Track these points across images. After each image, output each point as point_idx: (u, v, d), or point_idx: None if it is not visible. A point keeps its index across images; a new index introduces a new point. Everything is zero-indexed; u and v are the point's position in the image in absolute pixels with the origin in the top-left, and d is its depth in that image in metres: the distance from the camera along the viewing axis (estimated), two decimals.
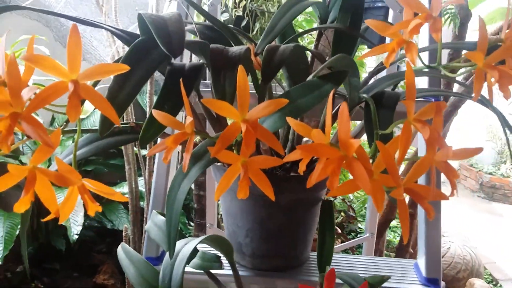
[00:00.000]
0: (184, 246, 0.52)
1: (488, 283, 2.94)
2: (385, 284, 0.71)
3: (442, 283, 2.21)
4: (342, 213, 2.82)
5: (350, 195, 2.92)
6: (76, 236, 2.21)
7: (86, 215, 2.43)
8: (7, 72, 0.35)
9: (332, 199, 2.54)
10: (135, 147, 2.20)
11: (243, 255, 0.75)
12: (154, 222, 0.68)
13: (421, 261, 0.76)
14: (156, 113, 0.43)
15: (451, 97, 2.25)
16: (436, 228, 0.74)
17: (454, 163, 5.59)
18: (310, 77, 0.54)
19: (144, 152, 2.21)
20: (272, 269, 0.74)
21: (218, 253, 0.62)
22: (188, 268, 0.70)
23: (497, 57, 0.43)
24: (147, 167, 1.88)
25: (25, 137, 0.37)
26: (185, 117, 0.41)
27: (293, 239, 0.73)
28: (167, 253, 0.52)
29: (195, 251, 0.62)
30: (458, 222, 4.14)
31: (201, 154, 0.47)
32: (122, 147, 2.11)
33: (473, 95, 0.44)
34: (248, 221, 0.71)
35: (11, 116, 0.33)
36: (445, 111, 2.27)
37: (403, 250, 2.11)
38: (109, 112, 0.37)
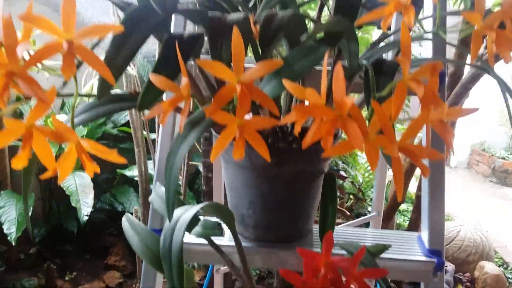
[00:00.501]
0: (185, 213, 0.53)
1: (498, 266, 2.93)
2: (388, 255, 0.72)
3: (452, 265, 2.21)
4: (351, 196, 2.82)
5: (360, 178, 2.92)
6: (86, 218, 2.24)
7: (96, 198, 2.46)
8: (3, 31, 0.35)
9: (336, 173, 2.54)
10: (144, 130, 2.22)
11: (246, 226, 0.75)
12: (158, 194, 0.69)
13: (424, 234, 0.76)
14: (154, 77, 0.43)
15: (463, 78, 2.23)
16: (439, 201, 0.74)
17: (466, 149, 5.55)
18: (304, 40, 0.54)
19: (153, 136, 2.23)
20: (275, 240, 0.74)
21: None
22: (190, 239, 0.71)
23: (496, 19, 0.42)
24: (156, 150, 1.88)
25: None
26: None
27: (296, 211, 0.73)
28: (167, 224, 0.52)
29: (196, 218, 0.63)
30: (469, 206, 4.12)
31: (199, 119, 0.47)
32: (132, 130, 2.13)
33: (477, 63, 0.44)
34: (250, 193, 0.72)
35: (7, 74, 0.34)
36: (455, 93, 2.24)
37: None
38: (104, 72, 0.37)
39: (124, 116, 2.81)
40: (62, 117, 2.42)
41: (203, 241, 0.72)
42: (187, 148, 0.45)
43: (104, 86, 0.43)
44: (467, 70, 2.22)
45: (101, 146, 0.39)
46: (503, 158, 5.05)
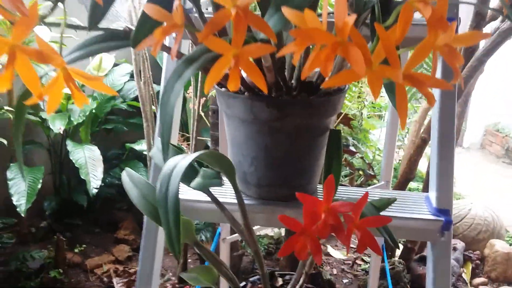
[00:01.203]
0: (182, 160, 0.51)
1: (509, 245, 2.89)
2: (394, 213, 0.70)
3: (461, 243, 2.18)
4: (361, 172, 2.79)
5: (370, 155, 2.88)
6: (95, 190, 2.25)
7: (106, 172, 2.47)
8: None
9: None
10: (153, 105, 2.21)
11: (248, 184, 0.74)
12: (158, 148, 0.68)
13: (432, 193, 0.73)
14: (148, 7, 0.41)
15: (477, 51, 2.17)
16: (448, 158, 0.71)
17: (479, 129, 5.47)
18: None
19: None
20: (278, 198, 0.73)
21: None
22: (192, 195, 0.70)
23: None
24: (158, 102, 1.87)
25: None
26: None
27: (299, 168, 0.71)
28: (165, 165, 0.51)
29: (195, 170, 0.61)
30: (481, 187, 4.07)
31: (196, 57, 0.45)
32: (140, 105, 2.12)
33: None
34: (252, 149, 0.70)
35: None
36: (470, 66, 2.19)
37: None
38: None
39: (133, 91, 2.80)
40: None
41: (205, 198, 0.71)
42: (182, 85, 0.43)
43: (94, 15, 0.41)
44: (482, 44, 2.16)
45: (88, 74, 0.37)
46: None
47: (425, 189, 2.27)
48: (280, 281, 0.76)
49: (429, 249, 0.72)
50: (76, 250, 2.54)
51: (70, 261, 2.50)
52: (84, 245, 2.59)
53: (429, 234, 0.70)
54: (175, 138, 0.77)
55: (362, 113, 2.51)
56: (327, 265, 2.75)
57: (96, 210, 2.91)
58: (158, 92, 2.27)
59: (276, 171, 0.71)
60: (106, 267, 2.57)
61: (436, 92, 0.72)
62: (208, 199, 0.65)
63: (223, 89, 0.67)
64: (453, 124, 0.72)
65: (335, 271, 2.71)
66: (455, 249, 2.74)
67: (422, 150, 2.44)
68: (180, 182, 0.65)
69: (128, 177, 0.66)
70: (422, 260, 2.53)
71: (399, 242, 2.72)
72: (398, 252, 2.59)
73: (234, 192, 0.63)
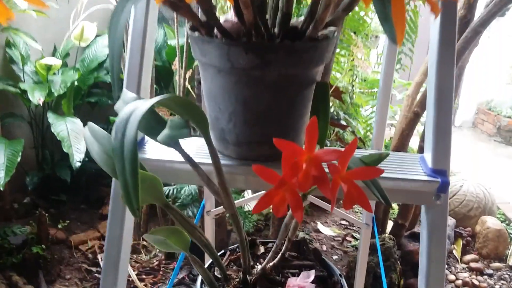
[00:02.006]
0: (142, 104, 0.44)
1: (501, 222, 2.87)
2: (386, 174, 0.63)
3: (452, 220, 2.14)
4: None
5: (361, 130, 2.82)
6: (79, 164, 2.18)
7: None
8: None
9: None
10: None
11: (226, 143, 0.67)
12: (124, 100, 0.60)
13: (427, 154, 0.67)
14: None
15: (472, 22, 2.10)
16: (446, 114, 0.65)
17: (471, 108, 5.43)
18: None
19: None
20: (259, 158, 0.66)
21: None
22: (163, 155, 0.63)
23: None
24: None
25: None
26: None
27: (282, 124, 0.64)
28: (122, 110, 0.44)
29: (162, 122, 0.54)
30: (472, 165, 4.04)
31: None
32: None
33: None
34: (230, 102, 0.63)
35: None
36: (465, 37, 2.12)
37: None
38: None
39: None
40: (51, 60, 2.31)
41: (177, 157, 0.64)
42: (131, 5, 0.36)
43: None
44: (477, 14, 2.09)
45: None
46: (509, 117, 4.94)
47: None
48: (262, 249, 0.69)
49: (424, 214, 0.66)
50: (59, 226, 2.48)
51: (53, 237, 2.44)
52: (68, 221, 2.53)
53: (424, 196, 0.64)
54: (146, 92, 0.70)
55: (353, 86, 2.44)
56: (316, 242, 2.71)
57: (82, 186, 2.84)
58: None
59: (257, 128, 0.64)
60: (91, 243, 2.51)
61: (434, 39, 0.65)
62: (180, 158, 0.58)
63: (196, 33, 0.60)
64: (452, 76, 0.65)
65: (324, 248, 2.67)
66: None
67: (414, 124, 2.38)
68: (147, 136, 0.58)
69: (90, 132, 0.58)
70: (413, 236, 2.50)
71: (390, 218, 2.68)
72: (388, 228, 2.55)
73: (208, 150, 0.56)
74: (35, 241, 2.28)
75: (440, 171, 0.64)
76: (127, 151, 0.41)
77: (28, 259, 2.22)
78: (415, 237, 2.51)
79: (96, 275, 2.32)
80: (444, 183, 0.63)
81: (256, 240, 0.72)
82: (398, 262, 2.30)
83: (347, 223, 2.91)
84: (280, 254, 0.65)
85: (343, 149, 0.40)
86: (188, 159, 0.58)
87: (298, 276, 0.63)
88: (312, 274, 0.62)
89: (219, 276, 0.65)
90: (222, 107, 0.64)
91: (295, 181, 0.40)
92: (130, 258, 2.41)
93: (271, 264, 0.65)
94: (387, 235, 2.35)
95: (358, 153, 0.72)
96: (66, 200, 2.78)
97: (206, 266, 0.67)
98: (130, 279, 2.27)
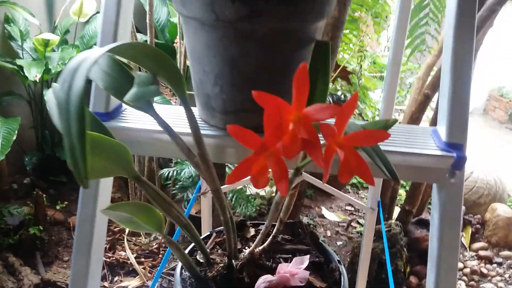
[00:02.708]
0: (96, 51, 0.36)
1: None
2: (394, 148, 0.55)
3: (462, 207, 2.03)
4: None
5: (369, 113, 2.73)
6: None
7: None
8: None
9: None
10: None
11: (213, 111, 0.59)
12: (102, 68, 0.52)
13: (441, 127, 0.59)
14: None
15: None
16: (464, 82, 0.56)
17: (483, 94, 5.29)
18: None
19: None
20: (249, 127, 0.58)
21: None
22: (138, 123, 0.55)
23: None
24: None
25: None
26: None
27: (275, 88, 0.56)
28: (72, 59, 0.36)
29: (129, 76, 0.46)
30: (483, 152, 3.93)
31: None
32: None
33: None
34: (216, 63, 0.55)
35: None
36: (480, 16, 2.00)
37: None
38: None
39: None
40: (48, 35, 2.24)
41: (152, 126, 0.56)
42: None
43: None
44: None
45: None
46: None
47: None
48: (252, 232, 0.62)
49: (435, 195, 0.58)
50: (58, 207, 2.42)
51: (52, 218, 2.39)
52: (67, 202, 2.48)
53: (436, 174, 0.56)
54: (126, 35, 0.61)
55: (361, 66, 2.34)
56: (320, 227, 2.64)
57: None
58: (144, 42, 2.10)
59: (246, 93, 0.55)
60: None
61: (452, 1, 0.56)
62: (158, 128, 0.51)
63: None
64: (473, 38, 0.56)
65: (329, 233, 2.60)
66: None
67: (424, 107, 2.28)
68: (114, 97, 0.50)
69: (54, 94, 0.51)
70: (420, 223, 2.42)
71: (397, 204, 2.60)
72: (395, 215, 2.48)
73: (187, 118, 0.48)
74: (33, 222, 2.23)
75: (456, 145, 0.56)
76: (73, 106, 0.33)
77: (25, 240, 2.18)
78: (423, 223, 2.43)
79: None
80: (460, 159, 0.55)
81: (245, 221, 0.64)
82: (405, 249, 2.23)
83: (352, 209, 2.84)
84: (270, 237, 0.57)
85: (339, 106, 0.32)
86: (165, 126, 0.50)
87: (290, 262, 0.56)
88: (306, 259, 0.54)
89: (202, 260, 0.57)
90: (207, 68, 0.56)
91: (279, 145, 0.32)
92: (129, 241, 2.36)
93: (260, 248, 0.57)
94: (393, 221, 2.27)
95: None
96: (66, 181, 2.73)
97: (188, 249, 0.60)
98: (129, 261, 2.23)
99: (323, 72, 0.54)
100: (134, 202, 0.45)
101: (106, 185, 0.61)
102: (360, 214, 2.79)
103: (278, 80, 0.56)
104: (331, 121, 0.35)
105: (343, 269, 0.58)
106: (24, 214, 2.27)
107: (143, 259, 2.27)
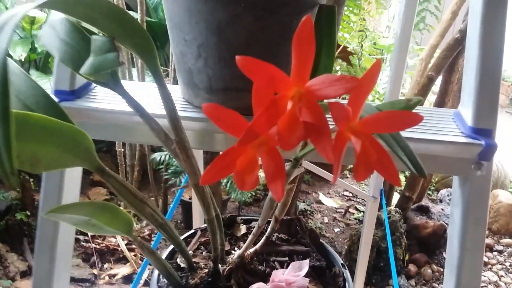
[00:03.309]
0: (23, 7, 0.27)
1: None
2: (410, 134, 0.46)
3: None
4: None
5: (369, 97, 2.63)
6: None
7: None
8: None
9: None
10: None
11: (196, 89, 0.50)
12: (51, 24, 0.43)
13: (466, 109, 0.50)
14: None
15: None
16: (496, 56, 0.47)
17: None
18: None
19: None
20: (239, 109, 0.49)
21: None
22: (108, 104, 0.46)
23: None
24: None
25: None
26: None
27: (270, 61, 0.47)
28: None
29: (88, 45, 0.37)
30: None
31: None
32: None
33: None
34: (199, 31, 0.45)
35: None
36: None
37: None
38: None
39: None
40: (34, 12, 2.12)
41: (122, 107, 0.47)
42: None
43: None
44: None
45: None
46: None
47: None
48: (243, 229, 0.53)
49: (457, 189, 0.49)
50: None
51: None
52: None
53: (460, 164, 0.47)
54: None
55: (362, 46, 2.23)
56: (318, 213, 2.57)
57: None
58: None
59: (235, 67, 0.46)
60: None
61: None
62: (128, 108, 0.41)
63: None
64: (506, 2, 0.47)
65: (326, 220, 2.53)
66: None
67: (427, 89, 2.19)
68: (74, 72, 0.41)
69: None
70: (420, 210, 2.35)
71: (396, 190, 2.53)
72: (394, 201, 2.41)
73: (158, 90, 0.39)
74: (20, 207, 2.15)
75: (484, 131, 0.47)
76: None
77: (12, 226, 2.10)
78: (422, 210, 2.37)
79: (83, 244, 2.20)
80: (489, 147, 0.46)
81: (235, 217, 0.56)
82: (404, 236, 2.16)
83: (350, 195, 2.77)
84: (264, 237, 0.49)
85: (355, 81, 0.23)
86: (136, 106, 0.41)
87: (286, 267, 0.47)
88: (305, 265, 0.46)
89: (183, 265, 0.49)
90: (188, 37, 0.46)
91: (273, 132, 0.24)
92: None
93: (252, 250, 0.49)
94: (392, 207, 2.20)
95: None
96: None
97: (167, 251, 0.51)
98: (119, 249, 2.15)
99: (328, 43, 0.45)
100: (91, 202, 0.37)
101: (73, 176, 0.53)
102: (358, 200, 2.72)
103: (273, 52, 0.47)
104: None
105: (347, 275, 0.50)
106: (10, 199, 2.18)
107: (134, 246, 2.20)
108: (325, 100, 0.27)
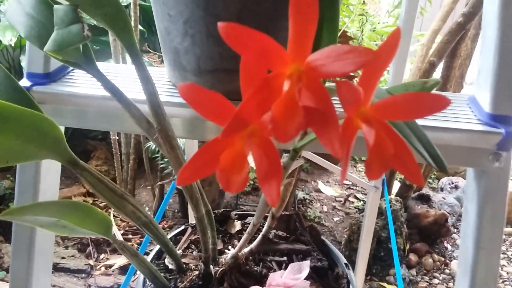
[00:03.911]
0: None
1: None
2: (420, 121, 0.41)
3: (464, 181, 1.91)
4: None
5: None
6: None
7: None
8: None
9: None
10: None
11: (184, 72, 0.45)
12: (18, 1, 0.37)
13: (482, 93, 0.45)
14: None
15: None
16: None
17: None
18: None
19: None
20: (232, 93, 0.44)
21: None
22: (85, 88, 0.41)
23: None
24: None
25: None
26: None
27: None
28: None
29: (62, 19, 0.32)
30: None
31: None
32: None
33: None
34: (185, 4, 0.40)
35: None
36: None
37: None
38: None
39: None
40: None
41: (105, 93, 0.42)
42: None
43: None
44: None
45: None
46: None
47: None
48: (237, 226, 0.48)
49: (472, 181, 0.45)
50: None
51: None
52: None
53: (476, 155, 0.43)
54: None
55: (363, 31, 2.17)
56: (317, 202, 2.53)
57: (68, 139, 2.63)
58: (129, 4, 1.93)
59: (226, 45, 0.41)
60: (76, 199, 2.34)
61: None
62: (105, 93, 0.36)
63: None
64: None
65: (325, 209, 2.49)
66: (456, 187, 2.53)
67: (429, 75, 2.14)
68: (45, 51, 0.35)
69: None
70: (421, 198, 2.32)
71: (396, 178, 2.49)
72: (395, 189, 2.37)
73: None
74: (13, 197, 2.11)
75: (504, 118, 0.42)
76: None
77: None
78: (423, 199, 2.33)
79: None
80: (509, 136, 0.41)
81: (229, 212, 0.51)
82: (404, 225, 2.12)
83: (350, 183, 2.72)
84: (260, 236, 0.44)
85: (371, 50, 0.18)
86: (113, 90, 0.36)
87: (285, 268, 0.43)
88: (305, 267, 0.41)
89: (172, 267, 0.44)
90: (173, 12, 0.41)
91: (266, 119, 0.19)
92: (116, 217, 2.24)
93: (247, 249, 0.44)
94: (393, 196, 2.16)
95: None
96: None
97: (154, 251, 0.47)
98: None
99: (331, 18, 0.40)
100: (58, 201, 0.32)
101: (49, 168, 0.48)
102: (358, 188, 2.68)
103: (268, 27, 0.42)
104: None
105: (351, 276, 0.45)
106: (4, 188, 2.14)
107: (130, 236, 2.16)
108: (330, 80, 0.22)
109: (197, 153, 0.20)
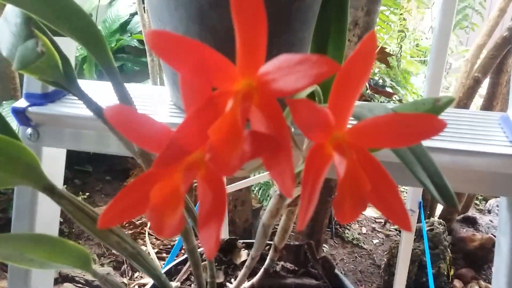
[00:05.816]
0: None
1: None
2: (443, 144, 0.37)
3: None
4: None
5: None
6: None
7: None
8: None
9: None
10: None
11: None
12: (6, 18, 0.36)
13: None
14: None
15: None
16: None
17: None
18: None
19: None
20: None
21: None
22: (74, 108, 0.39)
23: None
24: None
25: None
26: None
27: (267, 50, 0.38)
28: None
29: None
30: None
31: None
32: (144, 37, 1.83)
33: None
34: (179, 18, 0.37)
35: None
36: None
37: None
38: None
39: (139, 24, 2.50)
40: None
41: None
42: None
43: None
44: None
45: None
46: None
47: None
48: (244, 255, 0.44)
49: (505, 211, 0.39)
50: (79, 198, 2.33)
51: None
52: (88, 193, 2.38)
53: (508, 182, 0.37)
54: None
55: (401, 47, 2.09)
56: (355, 223, 2.44)
57: (108, 157, 2.69)
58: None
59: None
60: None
61: None
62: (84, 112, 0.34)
63: None
64: None
65: (364, 230, 2.40)
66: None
67: (473, 92, 2.04)
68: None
69: None
70: (466, 221, 2.19)
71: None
72: (438, 211, 2.25)
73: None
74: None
75: None
76: None
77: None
78: (469, 221, 2.20)
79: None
80: None
81: (235, 241, 0.47)
82: (448, 249, 2.00)
83: None
84: (262, 270, 0.40)
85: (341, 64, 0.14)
86: (97, 110, 0.33)
87: None
88: None
89: None
90: (169, 27, 0.38)
91: (208, 148, 0.15)
92: (151, 235, 2.24)
93: (247, 285, 0.40)
94: (436, 219, 2.05)
95: None
96: (91, 170, 2.65)
97: (149, 286, 0.44)
98: (150, 257, 2.11)
99: (337, 31, 0.36)
100: (22, 234, 0.30)
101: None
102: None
103: (270, 37, 0.38)
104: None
105: None
106: None
107: (164, 255, 2.15)
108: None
109: (125, 189, 0.17)
